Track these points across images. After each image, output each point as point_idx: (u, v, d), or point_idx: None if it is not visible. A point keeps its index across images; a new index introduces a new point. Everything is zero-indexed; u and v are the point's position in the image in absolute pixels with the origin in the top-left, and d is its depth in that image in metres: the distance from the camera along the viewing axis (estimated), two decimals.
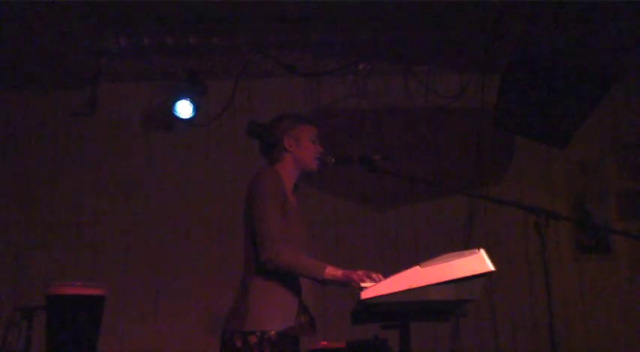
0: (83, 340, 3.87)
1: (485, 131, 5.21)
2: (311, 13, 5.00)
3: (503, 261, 4.72)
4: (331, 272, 2.69)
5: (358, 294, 2.43)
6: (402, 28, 5.13)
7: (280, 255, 2.69)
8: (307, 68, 5.34)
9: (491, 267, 2.34)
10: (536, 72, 4.18)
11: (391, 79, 5.36)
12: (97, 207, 5.26)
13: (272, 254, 2.68)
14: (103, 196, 5.28)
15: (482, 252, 2.36)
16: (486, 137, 5.23)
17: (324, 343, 3.08)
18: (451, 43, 5.22)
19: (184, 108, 5.19)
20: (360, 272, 2.68)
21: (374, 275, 2.67)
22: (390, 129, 5.32)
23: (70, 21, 4.82)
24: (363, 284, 2.58)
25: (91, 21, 4.95)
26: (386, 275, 2.54)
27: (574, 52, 3.90)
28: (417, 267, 2.36)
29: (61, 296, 3.93)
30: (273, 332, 2.70)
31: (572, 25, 3.87)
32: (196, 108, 5.22)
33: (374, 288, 2.40)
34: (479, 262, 2.34)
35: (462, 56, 5.28)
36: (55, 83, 5.37)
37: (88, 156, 5.36)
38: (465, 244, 4.85)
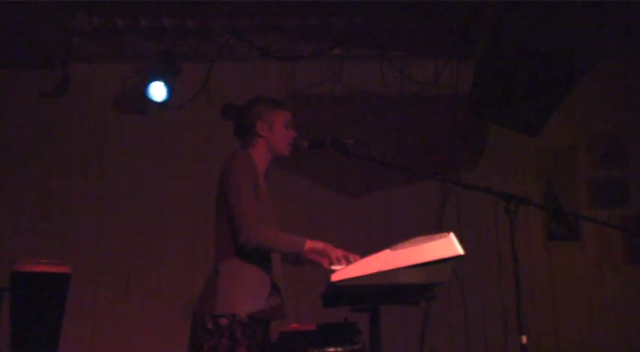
0: (47, 318, 3.84)
1: (459, 118, 5.24)
2: None
3: (475, 245, 4.78)
4: (311, 244, 2.72)
5: (328, 277, 2.45)
6: (378, 13, 5.12)
7: (259, 234, 2.70)
8: (282, 52, 5.31)
9: (460, 251, 2.37)
10: (510, 60, 4.20)
11: (366, 65, 5.35)
12: (67, 188, 5.19)
13: (251, 234, 2.69)
14: (74, 178, 5.22)
15: (452, 236, 2.39)
16: (460, 124, 5.26)
17: (295, 325, 3.09)
18: (426, 30, 5.23)
19: (158, 91, 5.14)
20: (339, 252, 2.71)
21: (351, 257, 2.70)
22: (364, 115, 5.32)
23: None
24: (333, 267, 2.60)
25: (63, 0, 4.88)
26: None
27: (546, 40, 3.93)
28: (387, 250, 2.38)
29: (25, 274, 3.89)
30: (243, 315, 2.71)
31: (545, 14, 3.89)
32: (170, 91, 5.17)
33: (344, 271, 2.41)
34: (448, 246, 2.36)
35: (438, 43, 5.29)
36: (26, 63, 5.28)
37: (59, 137, 5.29)
38: (438, 229, 4.89)
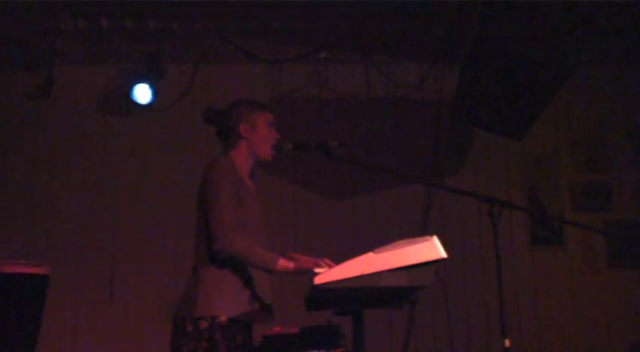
0: (24, 320, 3.79)
1: (443, 122, 5.27)
2: (272, 0, 4.97)
3: (459, 249, 4.80)
4: (283, 264, 2.72)
5: (312, 280, 2.44)
6: (363, 17, 5.14)
7: (233, 245, 2.69)
8: (268, 55, 5.31)
9: (443, 254, 2.37)
10: (494, 64, 4.22)
11: (351, 68, 5.36)
12: (50, 190, 5.16)
13: (225, 243, 2.68)
14: (58, 179, 5.18)
15: (435, 239, 2.39)
16: (445, 128, 5.28)
17: (278, 328, 3.09)
18: (411, 34, 5.25)
19: (142, 93, 5.12)
20: (310, 263, 2.71)
21: (326, 262, 2.69)
22: (349, 118, 5.32)
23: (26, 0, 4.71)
24: (316, 270, 2.59)
25: (47, 1, 4.84)
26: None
27: (531, 44, 3.95)
28: (370, 253, 2.38)
29: (1, 275, 3.84)
30: (224, 318, 2.70)
31: (529, 19, 3.92)
32: (154, 93, 5.15)
33: (327, 274, 2.41)
34: (431, 249, 2.36)
35: (422, 47, 5.31)
36: (10, 64, 5.24)
37: (43, 139, 5.25)
38: (422, 232, 4.88)
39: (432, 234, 2.44)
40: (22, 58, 5.24)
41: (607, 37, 4.98)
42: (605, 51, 5.18)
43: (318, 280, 2.40)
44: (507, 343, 2.69)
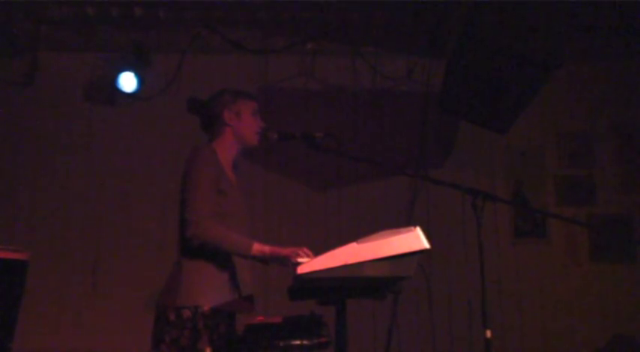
0: (3, 305, 3.76)
1: (430, 115, 5.27)
2: None
3: (443, 240, 4.81)
4: (259, 248, 2.72)
5: (294, 269, 2.45)
6: (351, 9, 5.12)
7: (206, 231, 2.68)
8: (255, 46, 5.29)
9: (426, 245, 2.38)
10: (480, 58, 4.23)
11: (339, 60, 5.35)
12: (34, 177, 5.13)
13: (198, 230, 2.67)
14: (41, 167, 5.15)
15: (418, 230, 2.40)
16: (431, 120, 5.29)
17: (261, 318, 3.08)
18: (399, 27, 5.25)
19: (128, 81, 5.09)
20: (289, 250, 2.70)
21: (305, 251, 2.69)
22: (336, 109, 5.32)
23: None
24: (299, 260, 2.60)
25: None
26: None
27: (516, 39, 3.97)
28: (354, 244, 2.39)
29: None
30: (206, 307, 2.70)
31: (516, 14, 3.93)
32: (140, 82, 5.12)
33: (310, 264, 2.41)
34: (414, 240, 2.37)
35: (410, 40, 5.31)
36: None
37: (27, 127, 5.21)
38: (407, 224, 4.89)
39: (416, 226, 2.45)
40: (6, 44, 5.17)
41: (591, 33, 5.01)
42: (590, 47, 5.21)
43: (301, 270, 2.40)
44: (489, 334, 2.72)
